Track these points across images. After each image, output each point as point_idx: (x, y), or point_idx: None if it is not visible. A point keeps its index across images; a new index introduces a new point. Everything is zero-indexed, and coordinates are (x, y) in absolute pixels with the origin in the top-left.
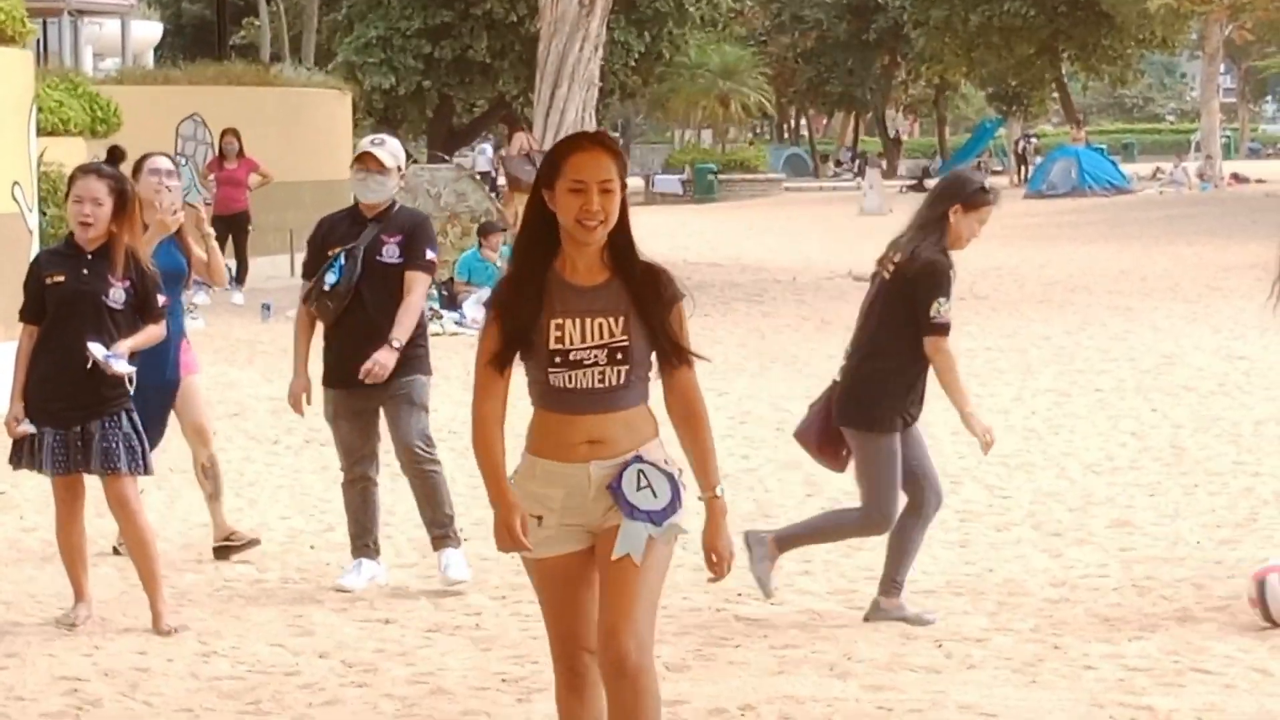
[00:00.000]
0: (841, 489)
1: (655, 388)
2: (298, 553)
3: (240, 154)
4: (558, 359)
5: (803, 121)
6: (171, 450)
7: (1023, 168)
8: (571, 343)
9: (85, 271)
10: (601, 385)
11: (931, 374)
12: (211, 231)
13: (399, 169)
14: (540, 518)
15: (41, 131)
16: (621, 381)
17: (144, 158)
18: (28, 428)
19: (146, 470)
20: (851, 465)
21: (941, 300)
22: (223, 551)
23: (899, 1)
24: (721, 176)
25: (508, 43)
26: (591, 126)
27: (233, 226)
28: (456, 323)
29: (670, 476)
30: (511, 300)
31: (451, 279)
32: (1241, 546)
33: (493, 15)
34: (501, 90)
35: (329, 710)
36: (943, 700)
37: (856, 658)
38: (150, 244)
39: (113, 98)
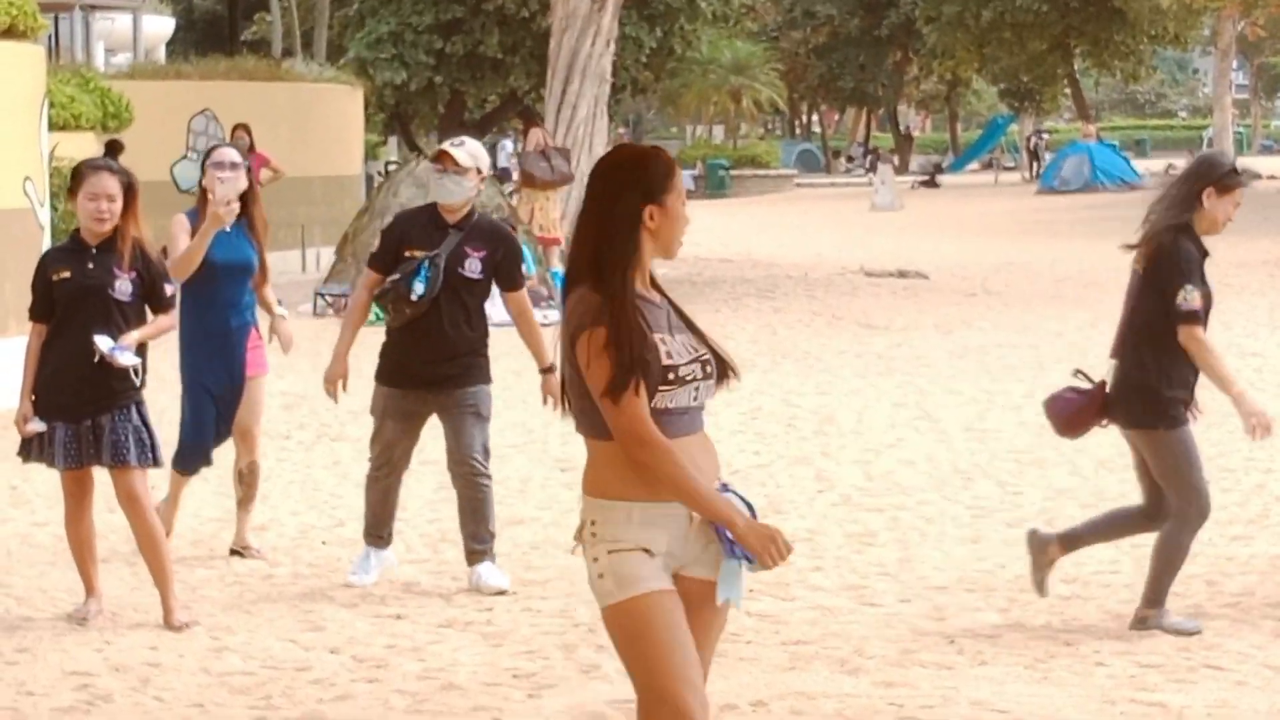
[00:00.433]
0: (854, 485)
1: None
2: (309, 548)
3: (251, 149)
4: (670, 375)
5: (814, 117)
6: None
7: (1035, 164)
8: (675, 358)
9: (91, 266)
10: (695, 403)
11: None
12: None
13: (478, 170)
14: (649, 551)
15: (53, 126)
16: (705, 399)
17: (212, 149)
18: (37, 426)
19: (156, 463)
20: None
21: (1188, 288)
22: (237, 552)
23: None
24: (733, 172)
25: (519, 38)
26: (603, 122)
27: None
28: None
29: (750, 505)
30: (634, 322)
31: None
32: (1254, 543)
33: (504, 10)
34: (513, 86)
35: (340, 705)
36: (954, 696)
37: (868, 654)
38: (206, 236)
39: (124, 93)
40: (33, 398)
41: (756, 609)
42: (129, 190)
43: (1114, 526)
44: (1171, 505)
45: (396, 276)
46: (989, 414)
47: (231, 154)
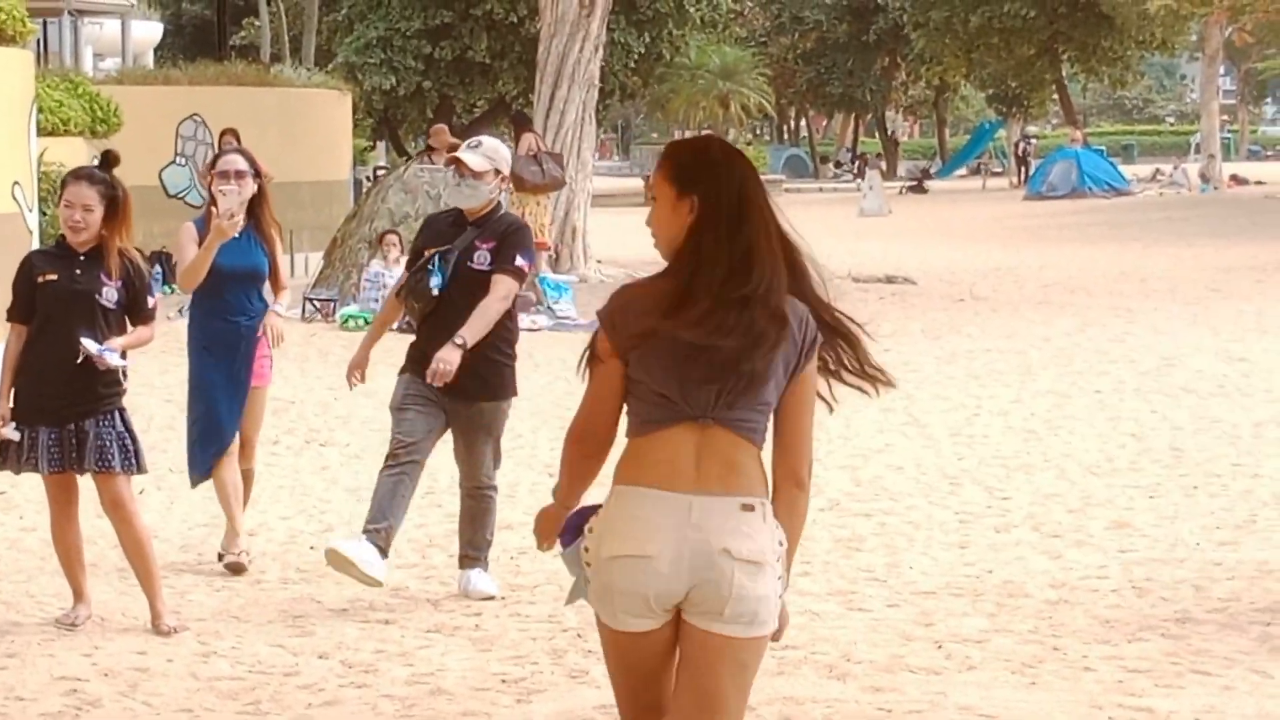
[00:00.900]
0: (841, 490)
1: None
2: (298, 553)
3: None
4: None
5: (803, 122)
6: (171, 451)
7: (1022, 169)
8: None
9: (79, 271)
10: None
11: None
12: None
13: (496, 172)
14: None
15: (42, 131)
16: None
17: (218, 155)
18: (12, 434)
19: (140, 469)
20: None
21: None
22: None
23: (899, 3)
24: None
25: (508, 43)
26: (591, 128)
27: None
28: None
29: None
30: None
31: None
32: (1241, 548)
33: (493, 16)
34: (501, 91)
35: (328, 711)
36: (942, 702)
37: (856, 659)
38: (211, 249)
39: (113, 98)
40: (10, 405)
41: None
42: (113, 201)
43: None
44: None
45: (412, 272)
46: (976, 419)
47: (237, 162)
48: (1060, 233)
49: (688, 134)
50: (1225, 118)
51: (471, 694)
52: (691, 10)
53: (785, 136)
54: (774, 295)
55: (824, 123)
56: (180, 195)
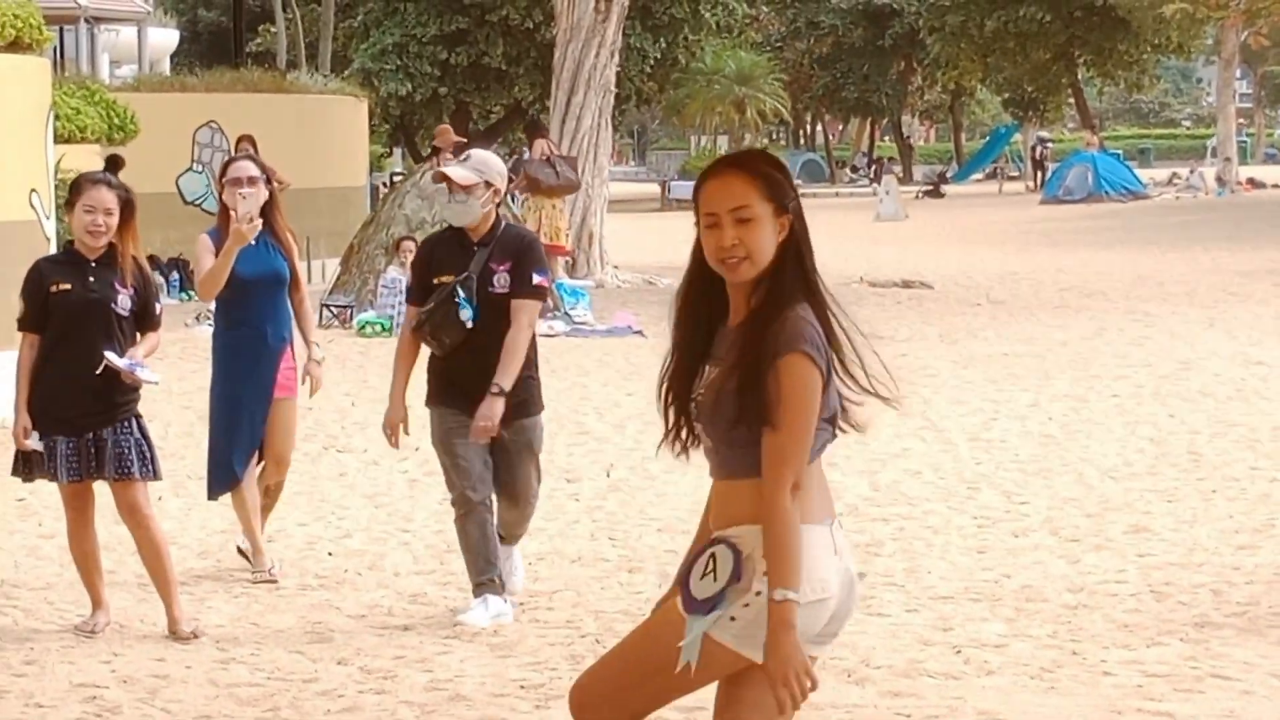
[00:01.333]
0: (860, 495)
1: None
2: (315, 559)
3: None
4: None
5: (818, 127)
6: (190, 458)
7: (1039, 173)
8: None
9: (92, 279)
10: (709, 443)
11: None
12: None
13: (486, 184)
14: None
15: (58, 139)
16: (707, 444)
17: (227, 163)
18: (36, 444)
19: (157, 476)
20: None
21: None
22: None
23: (915, 7)
24: None
25: (523, 49)
26: (608, 133)
27: None
28: None
29: (738, 553)
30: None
31: None
32: (1260, 552)
33: (508, 22)
34: (517, 96)
35: (347, 717)
36: (961, 707)
37: (874, 664)
38: (230, 255)
39: (129, 105)
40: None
41: None
42: (127, 206)
43: None
44: None
45: (431, 306)
46: (994, 423)
47: (249, 168)
48: (1077, 237)
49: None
50: (1242, 121)
51: (490, 700)
52: (707, 15)
53: (801, 141)
54: None
55: (840, 127)
56: (197, 202)
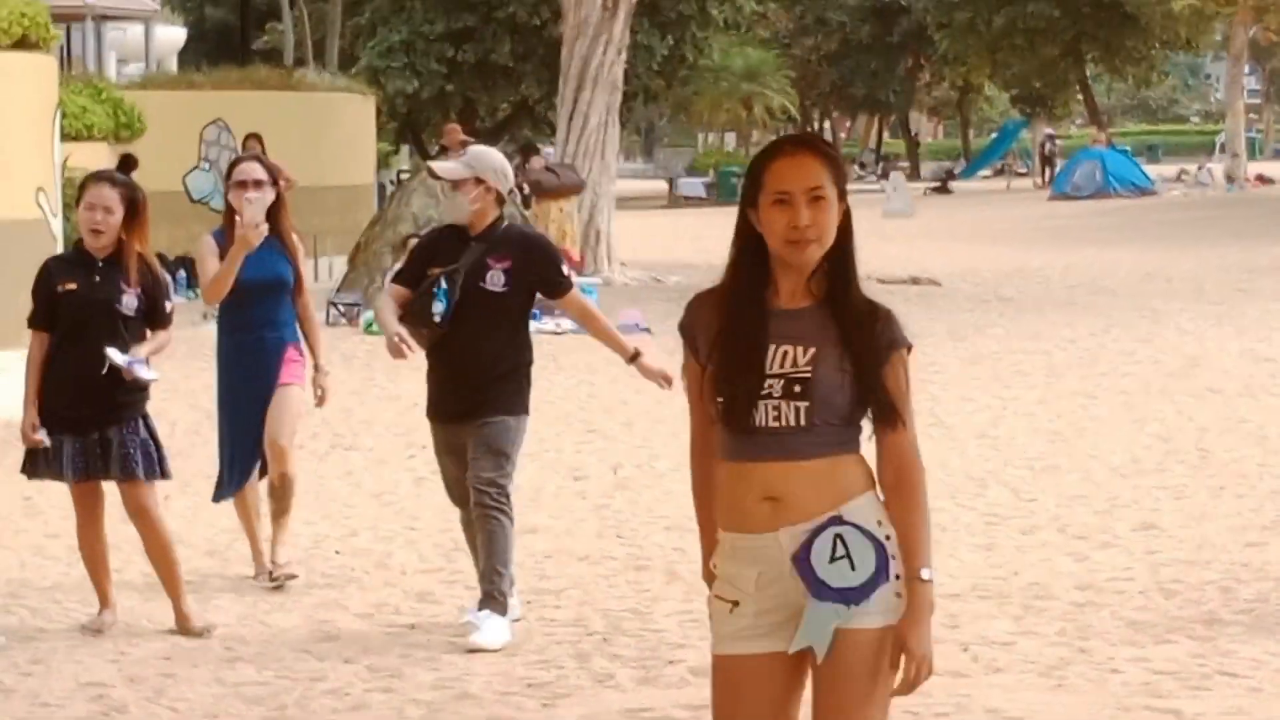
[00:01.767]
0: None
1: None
2: (322, 558)
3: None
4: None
5: (826, 124)
6: (197, 457)
7: (1047, 169)
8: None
9: (98, 279)
10: (778, 424)
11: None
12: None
13: (477, 180)
14: (735, 603)
15: (65, 137)
16: (802, 423)
17: (234, 164)
18: (44, 438)
19: (164, 475)
20: None
21: None
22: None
23: (923, 4)
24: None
25: (530, 46)
26: (615, 130)
27: None
28: None
29: (878, 543)
30: (726, 339)
31: None
32: (1268, 549)
33: (515, 19)
34: (524, 94)
35: (354, 715)
36: (968, 704)
37: None
38: (235, 260)
39: (136, 103)
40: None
41: None
42: (132, 204)
43: None
44: None
45: (415, 297)
46: (1002, 420)
47: (255, 170)
48: (1085, 233)
49: (711, 137)
50: (1253, 117)
51: (497, 698)
52: (715, 12)
53: None
54: None
55: (848, 124)
56: (204, 200)
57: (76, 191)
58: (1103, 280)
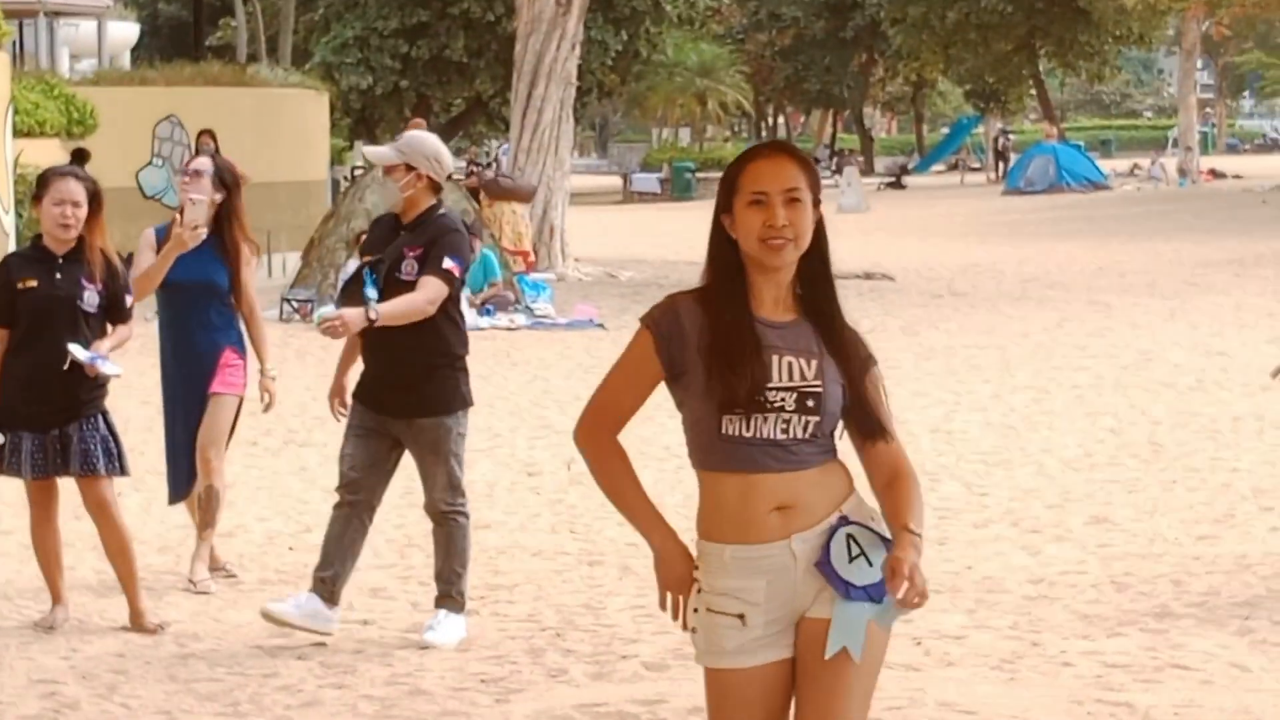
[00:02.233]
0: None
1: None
2: (276, 554)
3: (216, 155)
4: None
5: (780, 119)
6: (149, 454)
7: (1000, 164)
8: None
9: (59, 276)
10: (785, 436)
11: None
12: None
13: (407, 167)
14: (742, 616)
15: (18, 133)
16: (808, 434)
17: (188, 161)
18: (0, 436)
19: (123, 471)
20: None
21: None
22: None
23: None
24: (700, 175)
25: (484, 42)
26: (569, 126)
27: None
28: None
29: (884, 539)
30: (717, 342)
31: None
32: (1220, 542)
33: (469, 15)
34: (479, 90)
35: (308, 712)
36: (921, 698)
37: None
38: (166, 259)
39: (89, 99)
40: None
41: None
42: (94, 198)
43: None
44: None
45: (342, 286)
46: (955, 415)
47: (198, 162)
48: (1038, 228)
49: (665, 132)
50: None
51: (451, 694)
52: (668, 7)
53: (763, 133)
54: None
55: (802, 119)
56: (157, 197)
57: (34, 187)
58: (1056, 275)
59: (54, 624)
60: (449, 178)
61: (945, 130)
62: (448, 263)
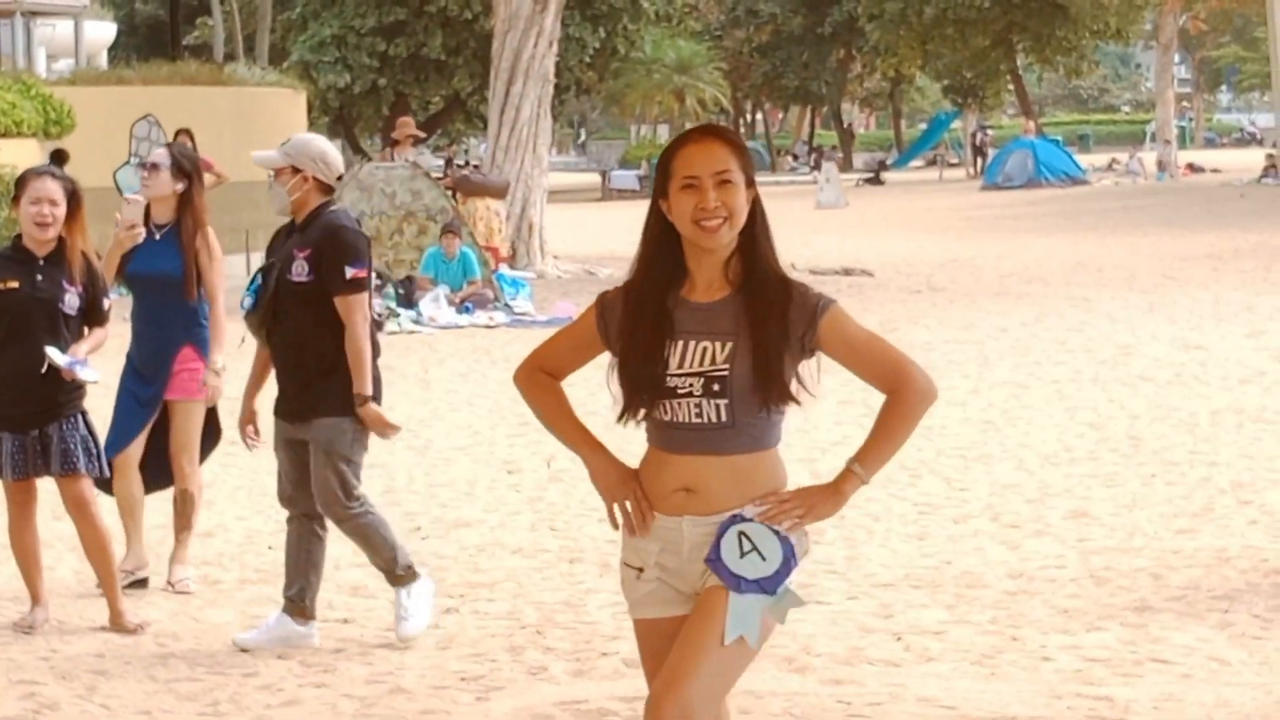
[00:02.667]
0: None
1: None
2: (255, 553)
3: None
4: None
5: (758, 115)
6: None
7: (979, 160)
8: (669, 367)
9: (40, 278)
10: (699, 421)
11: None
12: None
13: (294, 170)
14: (640, 570)
15: None
16: (724, 419)
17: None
18: None
19: (103, 471)
20: None
21: None
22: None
23: None
24: None
25: (462, 40)
26: (547, 123)
27: None
28: (414, 321)
29: (780, 536)
30: (628, 328)
31: (410, 277)
32: (1199, 536)
33: (447, 12)
34: (456, 87)
35: (288, 711)
36: (902, 693)
37: (815, 652)
38: (111, 258)
39: (66, 99)
40: None
41: None
42: (73, 198)
43: None
44: None
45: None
46: (934, 410)
47: (155, 154)
48: (1017, 223)
49: (644, 129)
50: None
51: (431, 692)
52: (646, 4)
53: (741, 130)
54: None
55: (780, 116)
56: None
57: (13, 188)
58: (1035, 270)
59: (33, 624)
60: (339, 179)
61: (923, 126)
62: (349, 272)
